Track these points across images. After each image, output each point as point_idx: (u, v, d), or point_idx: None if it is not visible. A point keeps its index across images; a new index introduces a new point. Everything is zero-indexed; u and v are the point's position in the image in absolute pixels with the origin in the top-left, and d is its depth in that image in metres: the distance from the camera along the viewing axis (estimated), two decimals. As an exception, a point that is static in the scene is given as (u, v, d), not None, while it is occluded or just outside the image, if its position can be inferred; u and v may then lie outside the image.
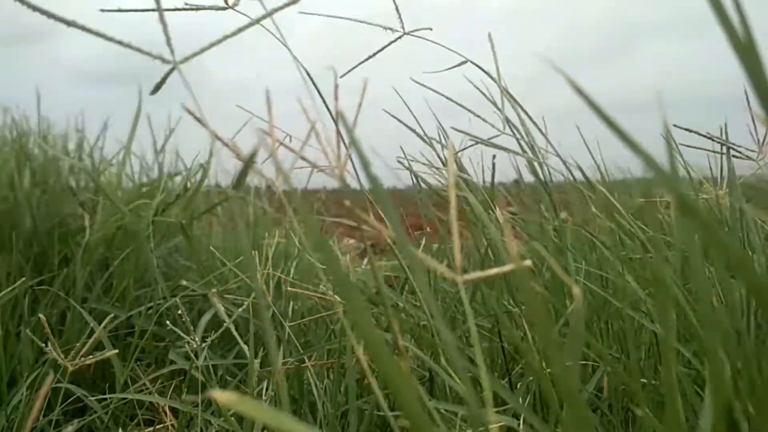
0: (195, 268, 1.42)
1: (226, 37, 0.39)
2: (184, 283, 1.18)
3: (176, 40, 0.36)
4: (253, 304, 0.90)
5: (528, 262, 0.32)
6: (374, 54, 0.62)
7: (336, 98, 0.42)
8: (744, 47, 0.24)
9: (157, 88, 0.40)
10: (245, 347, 0.80)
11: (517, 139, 0.82)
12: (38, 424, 0.86)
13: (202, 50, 0.38)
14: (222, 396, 0.19)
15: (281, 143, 0.43)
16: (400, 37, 0.64)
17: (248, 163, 0.35)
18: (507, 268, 0.33)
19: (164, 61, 0.36)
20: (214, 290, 0.96)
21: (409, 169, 0.83)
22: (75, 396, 0.88)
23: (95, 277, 1.31)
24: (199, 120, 0.41)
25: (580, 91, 0.24)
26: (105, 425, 0.88)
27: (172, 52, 0.36)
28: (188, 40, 0.46)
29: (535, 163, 0.86)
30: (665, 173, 0.24)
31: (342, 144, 0.39)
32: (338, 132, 0.34)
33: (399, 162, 0.84)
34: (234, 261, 1.18)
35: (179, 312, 0.81)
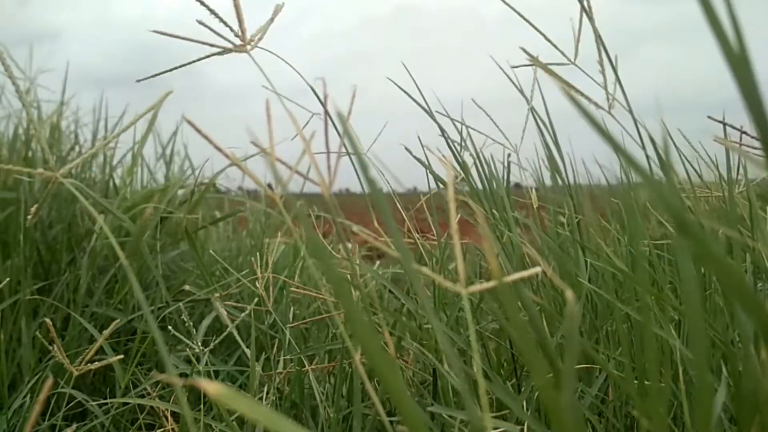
0: (197, 273, 1.42)
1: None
2: (186, 288, 1.18)
3: (170, 43, 0.36)
4: (255, 308, 0.89)
5: (538, 269, 0.32)
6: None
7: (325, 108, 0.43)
8: (736, 57, 0.23)
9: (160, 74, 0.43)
10: (247, 351, 0.80)
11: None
12: (39, 428, 0.85)
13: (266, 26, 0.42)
14: (211, 387, 0.18)
15: (278, 159, 0.43)
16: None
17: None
18: (521, 274, 0.32)
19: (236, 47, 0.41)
20: (216, 295, 0.96)
21: (432, 167, 0.84)
22: (76, 400, 0.88)
23: (97, 280, 1.31)
24: (198, 131, 0.42)
25: (571, 96, 0.24)
26: (106, 430, 0.87)
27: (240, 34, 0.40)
28: (184, 44, 0.47)
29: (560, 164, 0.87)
30: (659, 185, 0.24)
31: (333, 151, 0.40)
32: (327, 145, 0.34)
33: (417, 159, 0.85)
34: (234, 265, 1.18)
35: (182, 317, 0.81)
